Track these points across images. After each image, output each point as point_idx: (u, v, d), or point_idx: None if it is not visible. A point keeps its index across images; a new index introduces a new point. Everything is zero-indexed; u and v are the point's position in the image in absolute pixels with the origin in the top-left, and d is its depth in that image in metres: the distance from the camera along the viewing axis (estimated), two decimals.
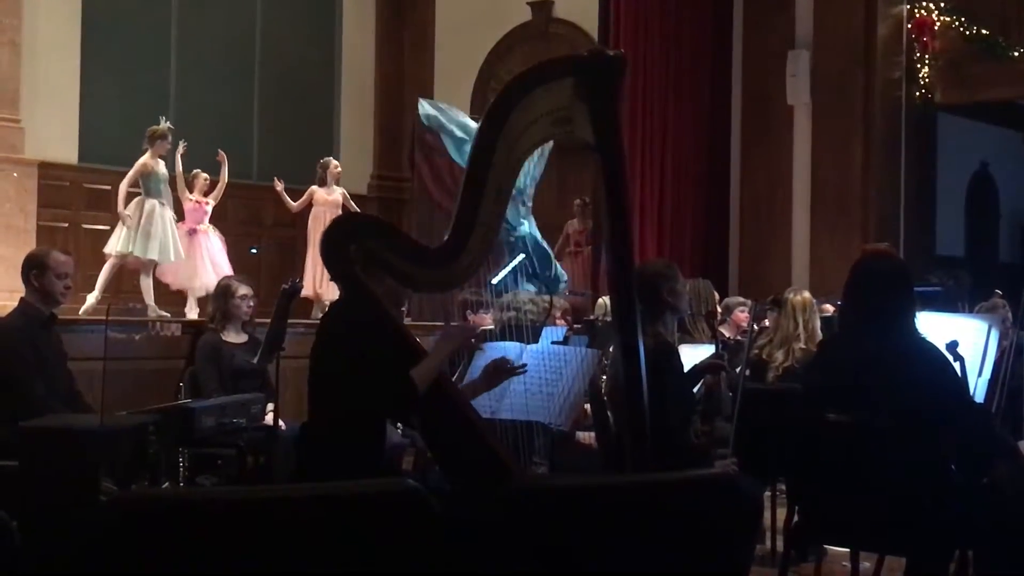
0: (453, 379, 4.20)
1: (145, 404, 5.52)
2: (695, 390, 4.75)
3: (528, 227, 10.05)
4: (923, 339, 3.79)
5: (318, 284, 9.37)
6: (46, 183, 10.20)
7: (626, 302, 3.35)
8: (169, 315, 8.46)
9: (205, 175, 9.35)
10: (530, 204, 10.14)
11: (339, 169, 10.02)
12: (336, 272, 3.68)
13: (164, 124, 8.85)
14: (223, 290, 6.22)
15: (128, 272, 9.07)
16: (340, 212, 9.55)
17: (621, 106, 3.46)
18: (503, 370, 3.85)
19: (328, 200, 9.76)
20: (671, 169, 10.46)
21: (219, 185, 9.47)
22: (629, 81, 10.28)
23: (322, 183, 9.87)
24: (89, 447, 4.32)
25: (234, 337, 6.14)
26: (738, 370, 5.30)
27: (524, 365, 3.95)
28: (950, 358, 3.88)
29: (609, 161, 3.36)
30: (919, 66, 10.38)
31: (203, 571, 1.79)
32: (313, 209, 9.80)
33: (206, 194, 9.34)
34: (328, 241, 3.67)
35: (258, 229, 11.62)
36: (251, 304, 6.22)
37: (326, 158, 10.22)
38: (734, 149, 10.76)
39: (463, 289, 5.23)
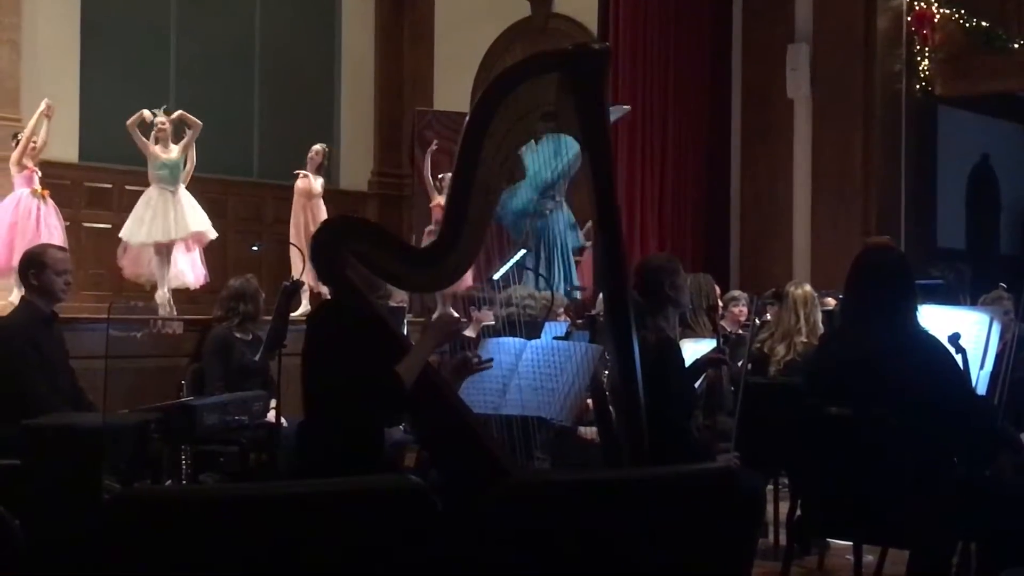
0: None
1: (147, 402, 5.52)
2: (697, 384, 4.75)
3: (553, 222, 9.74)
4: (924, 332, 3.79)
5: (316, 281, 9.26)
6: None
7: (618, 296, 3.34)
8: (174, 314, 8.44)
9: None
10: (561, 199, 9.59)
11: (315, 154, 9.77)
12: (326, 275, 3.66)
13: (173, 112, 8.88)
14: (256, 292, 6.23)
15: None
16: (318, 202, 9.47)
17: (607, 99, 3.45)
18: (469, 367, 3.82)
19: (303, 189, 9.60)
20: (672, 163, 10.44)
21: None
22: (629, 75, 10.28)
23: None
24: (91, 445, 4.32)
25: (244, 334, 6.17)
26: (740, 364, 5.31)
27: (490, 360, 3.90)
28: (952, 350, 3.88)
29: (596, 155, 3.36)
30: (919, 59, 10.37)
31: (206, 569, 1.80)
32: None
33: None
34: (317, 244, 3.63)
35: (258, 226, 11.59)
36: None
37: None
38: (734, 143, 10.75)
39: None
